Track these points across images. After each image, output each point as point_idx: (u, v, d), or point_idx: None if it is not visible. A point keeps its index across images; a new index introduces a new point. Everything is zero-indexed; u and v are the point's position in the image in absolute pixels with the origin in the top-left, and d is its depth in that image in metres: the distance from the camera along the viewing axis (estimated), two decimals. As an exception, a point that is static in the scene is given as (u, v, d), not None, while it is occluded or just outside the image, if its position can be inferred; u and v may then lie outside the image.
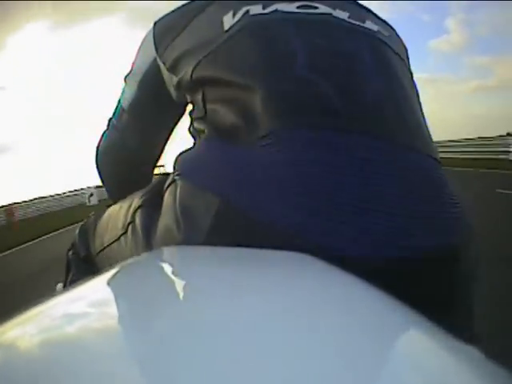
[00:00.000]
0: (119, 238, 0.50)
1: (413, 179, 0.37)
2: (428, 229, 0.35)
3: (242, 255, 0.32)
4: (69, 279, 0.63)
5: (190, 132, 0.49)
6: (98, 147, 0.67)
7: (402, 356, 0.17)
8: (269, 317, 0.18)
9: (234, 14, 0.46)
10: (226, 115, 0.41)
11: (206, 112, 0.44)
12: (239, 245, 0.34)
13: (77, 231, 0.66)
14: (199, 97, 0.45)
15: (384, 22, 0.54)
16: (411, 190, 0.36)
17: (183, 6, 0.55)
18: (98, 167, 0.68)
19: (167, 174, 0.51)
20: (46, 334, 0.18)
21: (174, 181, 0.43)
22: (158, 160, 0.69)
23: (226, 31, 0.45)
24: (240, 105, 0.40)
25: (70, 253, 0.65)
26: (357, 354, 0.15)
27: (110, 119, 0.65)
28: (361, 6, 0.53)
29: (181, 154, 0.46)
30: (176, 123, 0.65)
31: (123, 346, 0.17)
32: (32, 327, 0.19)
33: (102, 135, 0.67)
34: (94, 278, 0.26)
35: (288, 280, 0.24)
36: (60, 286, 0.67)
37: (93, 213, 0.66)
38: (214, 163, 0.39)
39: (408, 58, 0.54)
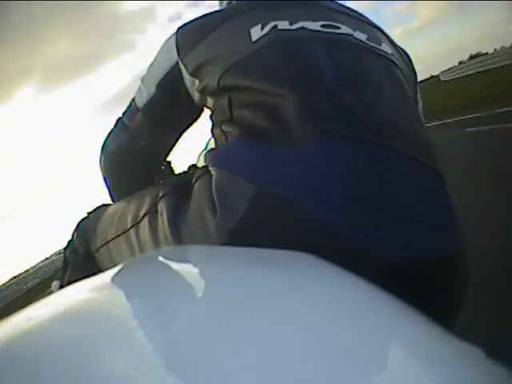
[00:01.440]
0: (128, 230, 0.51)
1: (422, 190, 0.42)
2: (435, 235, 0.40)
3: (243, 255, 0.32)
4: (66, 277, 0.63)
5: (214, 133, 0.51)
6: (103, 146, 0.67)
7: (403, 355, 0.17)
8: (270, 316, 0.18)
9: (262, 27, 0.50)
10: (256, 119, 0.44)
11: (232, 115, 0.47)
12: (269, 230, 0.37)
13: (75, 229, 0.65)
14: (225, 102, 0.48)
15: (396, 44, 0.60)
16: (421, 199, 0.41)
17: (206, 15, 0.59)
18: (103, 166, 0.68)
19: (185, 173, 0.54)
20: (46, 333, 0.18)
21: (206, 172, 0.44)
22: (165, 159, 0.71)
23: (254, 42, 0.48)
24: (270, 110, 0.43)
25: (68, 251, 0.64)
26: (358, 353, 0.15)
27: (120, 118, 0.65)
28: (376, 26, 0.59)
29: (208, 151, 0.47)
30: (189, 126, 0.66)
31: (123, 345, 0.16)
32: (32, 326, 0.19)
33: (109, 134, 0.67)
34: (95, 277, 0.25)
35: (290, 279, 0.24)
36: (56, 283, 0.66)
37: (90, 210, 0.66)
38: (248, 156, 0.42)
39: (416, 79, 0.60)
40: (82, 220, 0.66)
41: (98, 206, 0.67)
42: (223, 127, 0.47)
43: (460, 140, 4.73)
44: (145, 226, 0.48)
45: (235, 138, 0.45)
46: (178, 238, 0.42)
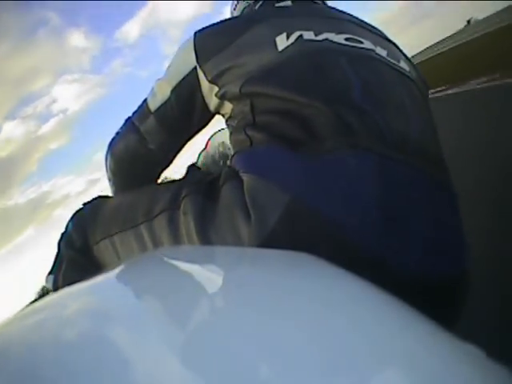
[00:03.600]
0: (138, 225, 0.50)
1: (440, 209, 0.43)
2: (451, 254, 0.42)
3: (244, 255, 0.32)
4: (61, 271, 0.61)
5: (235, 138, 0.51)
6: (110, 144, 0.67)
7: (404, 355, 0.17)
8: (271, 316, 0.18)
9: (287, 37, 0.50)
10: (284, 126, 0.44)
11: (254, 120, 0.47)
12: (304, 241, 0.38)
13: (69, 220, 0.63)
14: (246, 108, 0.48)
15: (410, 60, 0.62)
16: (439, 218, 0.43)
17: (225, 20, 0.59)
18: (108, 165, 0.68)
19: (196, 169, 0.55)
20: (47, 333, 0.18)
21: (235, 176, 0.44)
22: (171, 163, 0.70)
23: (281, 52, 0.49)
24: (299, 119, 0.44)
25: (63, 243, 0.62)
26: (358, 353, 0.15)
27: (129, 118, 0.65)
28: (392, 42, 0.60)
29: (236, 153, 0.48)
30: (198, 132, 0.66)
31: (124, 345, 0.16)
32: (33, 325, 0.19)
33: (117, 133, 0.66)
34: (96, 276, 0.25)
35: (291, 279, 0.24)
36: (50, 277, 0.63)
37: (86, 202, 0.64)
38: (281, 163, 0.42)
39: (428, 95, 0.62)
40: (78, 211, 0.64)
41: (94, 197, 0.65)
42: (248, 131, 0.47)
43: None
44: (162, 223, 0.47)
45: (263, 143, 0.45)
46: (206, 240, 0.42)
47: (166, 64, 0.62)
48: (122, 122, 0.67)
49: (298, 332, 0.17)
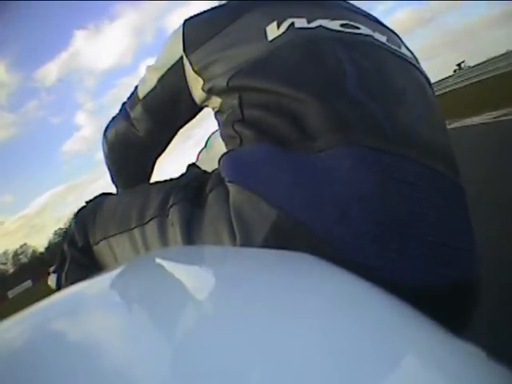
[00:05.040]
0: (132, 229, 0.50)
1: (446, 207, 0.39)
2: (459, 260, 0.38)
3: (244, 255, 0.32)
4: (64, 271, 0.61)
5: (224, 133, 0.49)
6: (106, 129, 0.67)
7: (404, 355, 0.17)
8: (271, 316, 0.18)
9: (278, 25, 0.46)
10: (273, 122, 0.42)
11: (243, 116, 0.45)
12: None
13: (72, 219, 0.64)
14: (235, 101, 0.46)
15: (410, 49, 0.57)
16: (447, 221, 0.39)
17: (214, 8, 0.56)
18: (104, 150, 0.68)
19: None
20: (49, 333, 0.18)
21: (221, 183, 0.42)
22: (160, 154, 0.70)
23: (271, 41, 0.45)
24: (289, 114, 0.41)
25: (66, 243, 0.63)
26: (358, 354, 0.15)
27: (124, 103, 0.64)
28: (391, 30, 0.56)
29: (224, 154, 0.45)
30: (185, 124, 0.65)
31: (124, 345, 0.16)
32: (34, 325, 0.19)
33: (113, 118, 0.66)
34: (96, 276, 0.25)
35: (289, 279, 0.24)
36: (53, 276, 0.64)
37: (89, 200, 0.64)
38: (269, 170, 0.39)
39: (431, 83, 0.58)
40: (80, 210, 0.64)
41: (96, 195, 0.65)
42: (236, 127, 0.45)
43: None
44: (153, 230, 0.47)
45: (252, 141, 0.42)
46: None
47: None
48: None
49: (300, 332, 0.17)
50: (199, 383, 0.13)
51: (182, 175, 0.64)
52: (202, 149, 1.03)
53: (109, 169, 0.71)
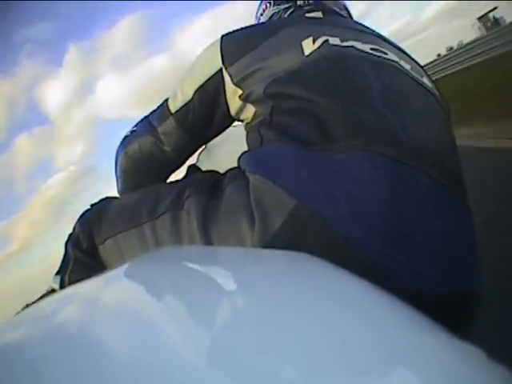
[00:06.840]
0: (141, 224, 0.50)
1: (455, 224, 0.42)
2: (462, 271, 0.40)
3: (244, 255, 0.32)
4: (68, 272, 0.60)
5: (249, 138, 0.51)
6: (123, 141, 0.66)
7: (405, 355, 0.17)
8: (271, 316, 0.18)
9: (313, 41, 0.50)
10: (296, 124, 0.44)
11: (271, 121, 0.47)
12: (302, 248, 0.36)
13: (77, 221, 0.63)
14: (267, 110, 0.48)
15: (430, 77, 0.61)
16: (453, 233, 0.41)
17: (252, 26, 0.60)
18: (120, 162, 0.68)
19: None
20: (51, 333, 0.18)
21: (241, 175, 0.44)
22: (182, 164, 0.69)
23: (307, 56, 0.49)
24: (313, 118, 0.44)
25: (69, 244, 0.62)
26: (358, 354, 0.16)
27: (146, 117, 0.64)
28: (416, 61, 0.60)
29: (245, 152, 0.47)
30: (216, 136, 0.65)
31: (125, 345, 0.16)
32: (35, 325, 0.19)
33: (132, 131, 0.66)
34: (98, 276, 0.25)
35: (291, 279, 0.24)
36: (57, 278, 0.63)
37: (94, 203, 0.64)
38: (290, 165, 0.41)
39: (450, 116, 0.61)
40: (85, 212, 0.63)
41: (101, 198, 0.65)
42: (261, 131, 0.47)
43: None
44: (164, 224, 0.47)
45: (273, 142, 0.44)
46: (207, 239, 0.42)
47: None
48: None
49: (297, 332, 0.17)
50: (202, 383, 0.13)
51: (186, 176, 0.64)
52: (202, 149, 1.03)
53: (122, 181, 0.70)
